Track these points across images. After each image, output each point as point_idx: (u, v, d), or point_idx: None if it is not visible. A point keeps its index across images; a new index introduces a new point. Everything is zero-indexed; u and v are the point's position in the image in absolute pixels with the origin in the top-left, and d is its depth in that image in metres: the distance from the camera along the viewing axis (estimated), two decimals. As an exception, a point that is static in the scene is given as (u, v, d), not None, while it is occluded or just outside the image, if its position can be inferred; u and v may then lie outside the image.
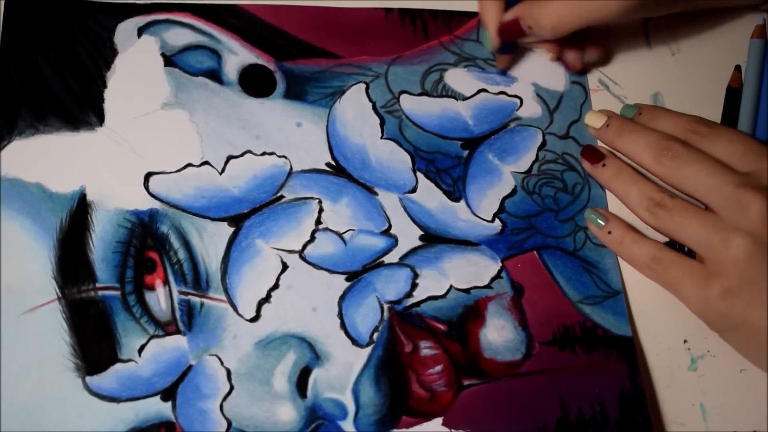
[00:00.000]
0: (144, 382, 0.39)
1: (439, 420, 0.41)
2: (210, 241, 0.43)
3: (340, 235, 0.44)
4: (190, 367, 0.40)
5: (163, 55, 0.46)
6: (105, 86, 0.45)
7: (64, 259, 0.41)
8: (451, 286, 0.44)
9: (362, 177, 0.46)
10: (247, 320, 0.41)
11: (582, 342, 0.43)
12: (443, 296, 0.43)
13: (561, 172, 0.47)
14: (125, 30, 0.46)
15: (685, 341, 0.44)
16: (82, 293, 0.40)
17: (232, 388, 0.40)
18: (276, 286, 0.42)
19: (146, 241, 0.42)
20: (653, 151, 0.44)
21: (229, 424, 0.39)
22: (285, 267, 0.43)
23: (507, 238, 0.45)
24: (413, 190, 0.46)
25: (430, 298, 0.43)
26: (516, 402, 0.41)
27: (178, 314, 0.41)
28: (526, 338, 0.43)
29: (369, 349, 0.42)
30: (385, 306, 0.43)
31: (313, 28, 0.49)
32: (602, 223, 0.45)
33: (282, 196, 0.44)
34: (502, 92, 0.49)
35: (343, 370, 0.41)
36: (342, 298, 0.43)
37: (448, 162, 0.47)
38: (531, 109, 0.49)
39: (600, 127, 0.47)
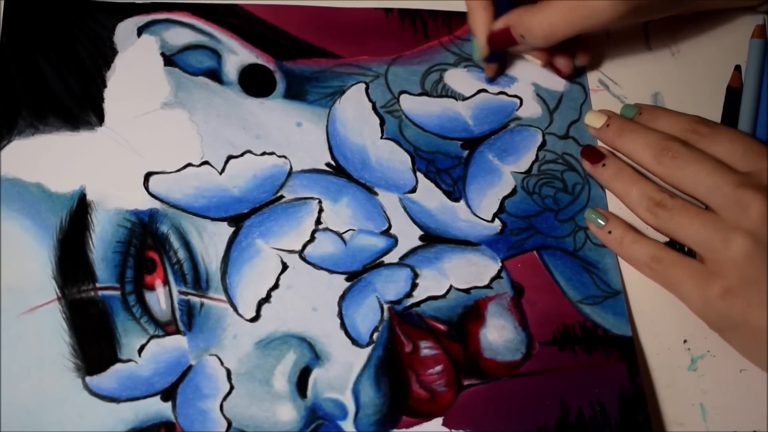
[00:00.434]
0: (144, 382, 0.39)
1: (439, 420, 0.41)
2: (210, 241, 0.43)
3: (340, 235, 0.44)
4: (190, 367, 0.40)
5: (163, 54, 0.46)
6: (105, 86, 0.45)
7: (64, 259, 0.41)
8: (451, 286, 0.44)
9: (362, 177, 0.46)
10: (247, 320, 0.41)
11: (582, 342, 0.43)
12: (443, 296, 0.43)
13: (561, 172, 0.47)
14: (125, 29, 0.46)
15: (685, 341, 0.44)
16: (82, 293, 0.40)
17: (232, 388, 0.40)
18: (276, 286, 0.42)
19: (146, 241, 0.42)
20: (653, 151, 0.44)
21: (229, 424, 0.39)
22: (285, 267, 0.43)
23: (507, 238, 0.45)
24: (413, 190, 0.46)
25: (430, 298, 0.43)
26: (516, 402, 0.41)
27: (178, 314, 0.41)
28: (526, 338, 0.43)
29: (369, 349, 0.42)
30: (385, 306, 0.43)
31: (313, 28, 0.49)
32: (602, 223, 0.45)
33: (282, 196, 0.44)
34: (501, 92, 0.49)
35: (343, 370, 0.41)
36: (342, 298, 0.43)
37: (448, 162, 0.47)
38: (531, 109, 0.49)
39: (600, 127, 0.47)
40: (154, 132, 0.44)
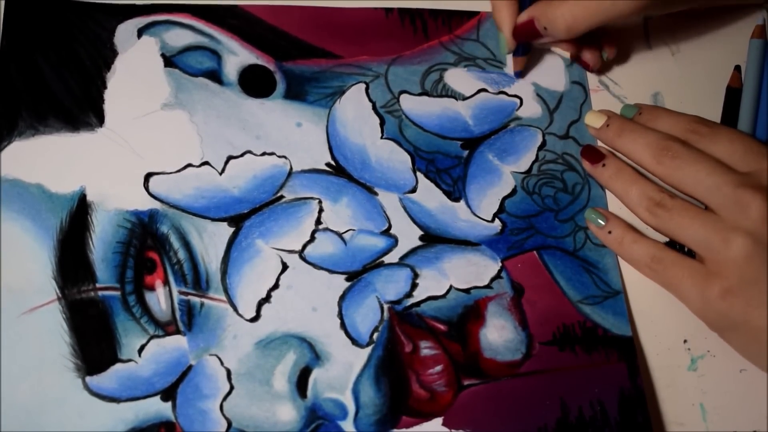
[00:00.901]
0: (144, 382, 0.39)
1: (439, 420, 0.41)
2: (210, 241, 0.43)
3: (340, 235, 0.44)
4: (190, 367, 0.40)
5: (163, 55, 0.46)
6: (105, 87, 0.45)
7: (64, 259, 0.41)
8: (451, 286, 0.44)
9: (362, 177, 0.46)
10: (247, 320, 0.41)
11: (582, 342, 0.43)
12: (443, 296, 0.43)
13: (561, 172, 0.47)
14: (125, 31, 0.46)
15: (685, 341, 0.44)
16: (82, 293, 0.40)
17: (232, 388, 0.40)
18: (276, 286, 0.42)
19: (146, 241, 0.42)
20: (653, 151, 0.44)
21: (229, 424, 0.39)
22: (285, 267, 0.43)
23: (507, 238, 0.45)
24: (413, 190, 0.46)
25: (430, 298, 0.43)
26: (516, 402, 0.41)
27: (178, 314, 0.41)
28: (526, 338, 0.43)
29: (369, 349, 0.42)
30: (385, 306, 0.43)
31: (313, 28, 0.49)
32: (602, 223, 0.45)
33: (282, 196, 0.44)
34: (502, 92, 0.49)
35: (343, 370, 0.41)
36: (342, 298, 0.43)
37: (448, 162, 0.47)
38: (531, 109, 0.49)
39: (600, 127, 0.47)
40: (155, 133, 0.44)
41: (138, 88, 0.45)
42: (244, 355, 0.41)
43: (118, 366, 0.39)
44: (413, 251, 0.44)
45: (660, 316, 0.44)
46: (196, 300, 0.41)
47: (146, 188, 0.43)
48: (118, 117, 0.44)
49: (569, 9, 0.44)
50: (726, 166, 0.42)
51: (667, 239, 0.45)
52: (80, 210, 0.42)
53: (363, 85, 0.48)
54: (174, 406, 0.39)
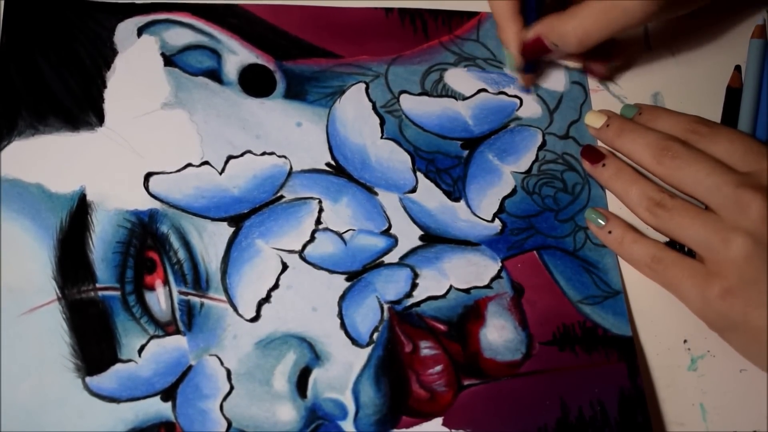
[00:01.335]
0: (144, 382, 0.39)
1: (439, 420, 0.41)
2: (210, 241, 0.43)
3: (340, 235, 0.44)
4: (190, 367, 0.40)
5: (163, 54, 0.46)
6: (105, 86, 0.45)
7: (64, 259, 0.41)
8: (451, 286, 0.44)
9: (362, 177, 0.46)
10: (247, 320, 0.41)
11: (582, 342, 0.43)
12: (443, 296, 0.43)
13: (561, 172, 0.47)
14: (125, 30, 0.46)
15: (685, 341, 0.44)
16: (82, 293, 0.40)
17: (232, 388, 0.40)
18: (276, 286, 0.42)
19: (146, 241, 0.42)
20: (653, 151, 0.44)
21: (229, 424, 0.39)
22: (285, 267, 0.43)
23: (507, 238, 0.45)
24: (413, 190, 0.46)
25: (430, 298, 0.43)
26: (516, 402, 0.41)
27: (178, 314, 0.41)
28: (526, 338, 0.43)
29: (369, 349, 0.42)
30: (385, 306, 0.43)
31: (313, 28, 0.49)
32: (602, 223, 0.45)
33: (282, 196, 0.44)
34: (501, 92, 0.49)
35: (343, 370, 0.41)
36: (342, 298, 0.43)
37: (448, 162, 0.47)
38: (531, 109, 0.49)
39: (600, 127, 0.47)
40: (154, 132, 0.44)
41: (138, 88, 0.45)
42: (244, 355, 0.41)
43: (118, 366, 0.39)
44: (413, 251, 0.44)
45: (660, 316, 0.44)
46: (196, 300, 0.41)
47: (146, 188, 0.43)
48: (118, 116, 0.44)
49: (579, 23, 0.43)
50: (726, 166, 0.42)
51: (667, 239, 0.45)
52: (80, 210, 0.42)
53: (363, 85, 0.48)
54: (174, 406, 0.39)
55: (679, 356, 0.44)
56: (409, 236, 0.45)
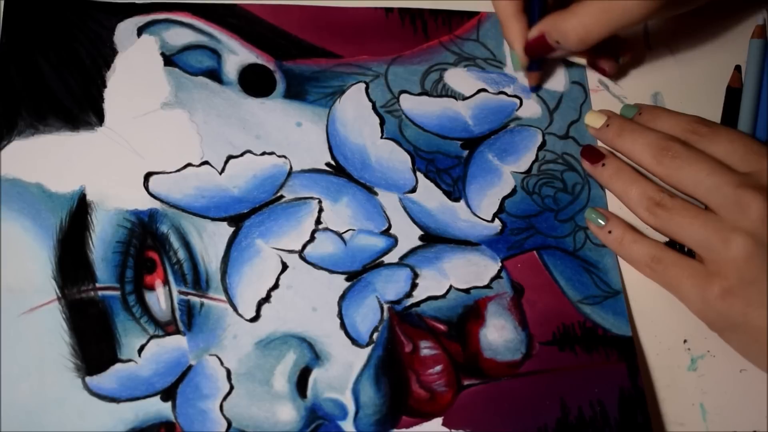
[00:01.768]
0: (144, 382, 0.39)
1: (439, 420, 0.41)
2: (210, 241, 0.43)
3: (340, 235, 0.44)
4: (190, 367, 0.40)
5: (162, 54, 0.46)
6: (105, 86, 0.45)
7: (64, 259, 0.41)
8: (451, 286, 0.44)
9: (362, 177, 0.46)
10: (247, 320, 0.41)
11: (582, 342, 0.43)
12: (443, 296, 0.43)
13: (561, 172, 0.47)
14: (125, 30, 0.46)
15: (685, 341, 0.44)
16: (82, 293, 0.40)
17: (232, 388, 0.40)
18: (276, 286, 0.42)
19: (146, 241, 0.42)
20: (653, 150, 0.44)
21: (229, 424, 0.39)
22: (285, 267, 0.43)
23: (507, 238, 0.45)
24: (413, 190, 0.46)
25: (430, 298, 0.43)
26: (516, 402, 0.41)
27: (178, 314, 0.41)
28: (526, 338, 0.43)
29: (369, 349, 0.42)
30: (385, 306, 0.43)
31: (313, 28, 0.49)
32: (602, 223, 0.45)
33: (282, 196, 0.44)
34: (501, 92, 0.49)
35: (343, 370, 0.41)
36: (342, 298, 0.43)
37: (448, 162, 0.47)
38: (531, 109, 0.49)
39: (600, 127, 0.47)
40: (154, 132, 0.44)
41: (138, 88, 0.45)
42: (244, 355, 0.41)
43: (118, 366, 0.39)
44: (413, 251, 0.44)
45: (660, 316, 0.44)
46: (195, 300, 0.41)
47: (146, 188, 0.43)
48: (117, 116, 0.44)
49: (580, 21, 0.44)
50: (726, 167, 0.42)
51: (667, 239, 0.45)
52: (80, 209, 0.42)
53: (363, 85, 0.48)
54: (174, 406, 0.39)
55: (679, 356, 0.44)
56: (409, 236, 0.45)
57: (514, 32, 0.46)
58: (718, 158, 0.43)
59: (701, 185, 0.42)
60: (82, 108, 0.44)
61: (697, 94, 0.50)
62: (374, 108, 0.47)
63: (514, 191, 0.47)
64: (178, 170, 0.44)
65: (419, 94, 0.48)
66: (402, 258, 0.44)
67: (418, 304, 0.43)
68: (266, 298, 0.42)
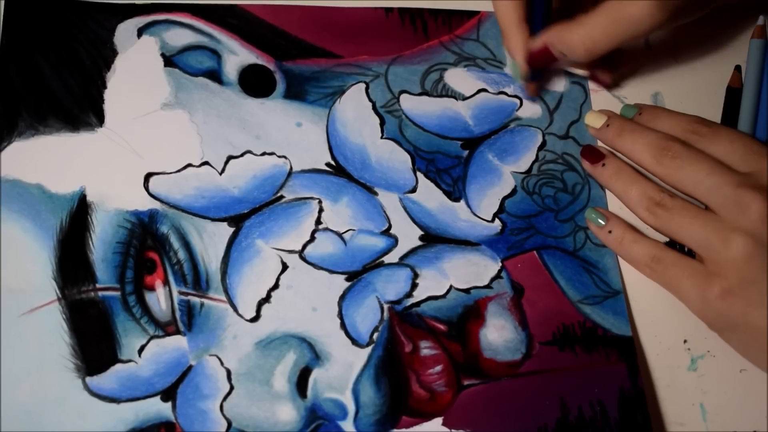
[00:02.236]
0: (144, 382, 0.39)
1: (439, 420, 0.41)
2: (210, 241, 0.43)
3: (340, 235, 0.44)
4: (190, 368, 0.40)
5: (162, 55, 0.46)
6: (105, 87, 0.45)
7: (64, 259, 0.41)
8: (451, 286, 0.44)
9: (362, 177, 0.46)
10: (247, 320, 0.41)
11: (582, 342, 0.43)
12: (443, 296, 0.43)
13: (561, 172, 0.47)
14: (125, 30, 0.46)
15: (685, 341, 0.44)
16: (82, 294, 0.40)
17: (232, 388, 0.40)
18: (276, 286, 0.42)
19: (146, 241, 0.42)
20: (653, 150, 0.44)
21: (229, 425, 0.39)
22: (285, 267, 0.43)
23: (507, 238, 0.45)
24: (413, 190, 0.46)
25: (430, 298, 0.43)
26: (516, 402, 0.41)
27: (178, 314, 0.41)
28: (526, 338, 0.43)
29: (369, 349, 0.42)
30: (385, 306, 0.43)
31: (313, 28, 0.49)
32: (602, 223, 0.45)
33: (282, 196, 0.44)
34: (501, 92, 0.49)
35: (343, 370, 0.41)
36: (342, 298, 0.43)
37: (448, 162, 0.47)
38: (531, 109, 0.49)
39: (600, 127, 0.47)
40: (154, 133, 0.44)
41: (138, 88, 0.45)
42: (244, 355, 0.41)
43: (118, 366, 0.39)
44: (413, 251, 0.44)
45: (660, 316, 0.44)
46: (196, 300, 0.41)
47: (146, 188, 0.43)
48: (118, 117, 0.44)
49: (587, 33, 0.43)
50: (726, 166, 0.42)
51: (667, 239, 0.45)
52: (80, 210, 0.42)
53: (363, 85, 0.48)
54: (174, 407, 0.39)
55: (679, 356, 0.44)
56: (409, 236, 0.45)
57: (516, 42, 0.46)
58: (718, 158, 0.43)
59: (701, 185, 0.42)
60: (82, 109, 0.44)
61: (697, 94, 0.50)
62: (374, 108, 0.47)
63: (514, 191, 0.47)
64: (178, 171, 0.44)
65: (419, 94, 0.48)
66: (402, 258, 0.44)
67: (418, 304, 0.43)
68: (266, 298, 0.42)
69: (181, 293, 0.41)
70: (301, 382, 0.41)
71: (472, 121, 0.48)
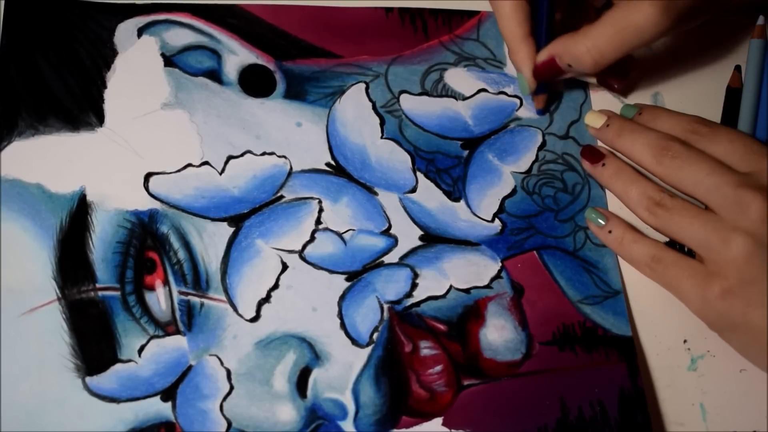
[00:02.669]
0: (144, 382, 0.39)
1: (439, 420, 0.41)
2: (210, 241, 0.43)
3: (340, 235, 0.44)
4: (190, 368, 0.40)
5: (163, 55, 0.46)
6: (105, 86, 0.45)
7: (64, 259, 0.41)
8: (451, 286, 0.44)
9: (362, 177, 0.46)
10: (247, 320, 0.41)
11: (582, 342, 0.43)
12: (443, 296, 0.43)
13: (561, 172, 0.47)
14: (125, 30, 0.46)
15: (685, 341, 0.44)
16: (82, 294, 0.40)
17: (232, 388, 0.40)
18: (276, 286, 0.42)
19: (146, 241, 0.42)
20: (653, 150, 0.44)
21: (229, 425, 0.39)
22: (285, 267, 0.43)
23: (507, 238, 0.45)
24: (413, 190, 0.46)
25: (430, 298, 0.43)
26: (516, 402, 0.41)
27: (178, 314, 0.41)
28: (526, 338, 0.43)
29: (369, 349, 0.42)
30: (385, 306, 0.43)
31: (313, 28, 0.49)
32: (602, 223, 0.45)
33: (282, 196, 0.44)
34: (501, 92, 0.49)
35: (343, 370, 0.41)
36: (342, 298, 0.43)
37: (448, 162, 0.47)
38: (531, 110, 0.49)
39: (600, 127, 0.47)
40: (154, 132, 0.44)
41: (138, 88, 0.45)
42: (244, 355, 0.41)
43: (118, 366, 0.39)
44: (413, 251, 0.44)
45: (660, 316, 0.44)
46: (196, 300, 0.41)
47: (146, 188, 0.43)
48: (118, 117, 0.44)
49: (594, 43, 0.43)
50: (726, 166, 0.42)
51: (667, 239, 0.45)
52: (80, 210, 0.42)
53: (363, 85, 0.48)
54: (174, 406, 0.39)
55: (679, 356, 0.44)
56: (409, 236, 0.45)
57: (523, 56, 0.46)
58: (718, 158, 0.43)
59: (701, 185, 0.42)
60: (82, 108, 0.44)
61: (697, 94, 0.50)
62: (374, 108, 0.47)
63: (514, 191, 0.47)
64: (178, 170, 0.44)
65: (419, 94, 0.48)
66: (402, 258, 0.44)
67: (418, 304, 0.43)
68: (266, 298, 0.42)
69: (181, 293, 0.41)
70: (301, 382, 0.41)
71: (472, 121, 0.48)
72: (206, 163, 0.44)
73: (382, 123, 0.47)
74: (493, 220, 0.46)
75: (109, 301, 0.40)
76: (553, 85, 0.49)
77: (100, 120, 0.44)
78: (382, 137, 0.47)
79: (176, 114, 0.45)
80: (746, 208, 0.40)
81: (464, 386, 0.42)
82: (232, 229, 0.43)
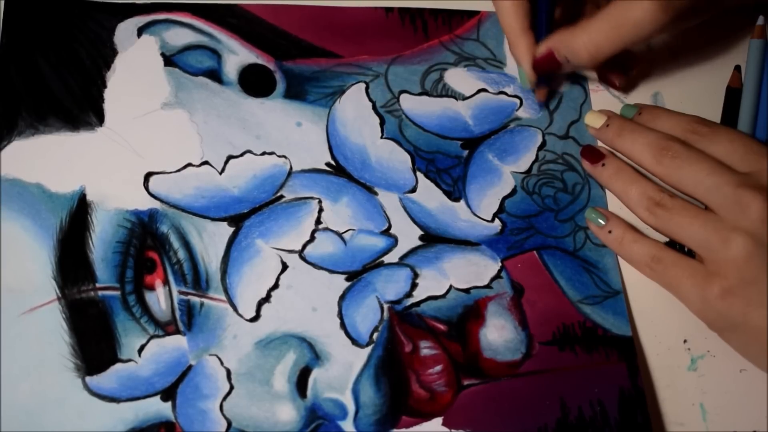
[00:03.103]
0: (144, 382, 0.39)
1: (439, 420, 0.41)
2: (210, 241, 0.43)
3: (340, 235, 0.44)
4: (190, 367, 0.40)
5: (163, 54, 0.46)
6: (105, 86, 0.45)
7: (64, 259, 0.41)
8: (451, 286, 0.44)
9: (362, 177, 0.46)
10: (247, 320, 0.41)
11: (582, 342, 0.43)
12: (443, 296, 0.43)
13: (561, 172, 0.47)
14: (125, 30, 0.46)
15: (685, 341, 0.44)
16: (82, 293, 0.40)
17: (232, 388, 0.40)
18: (276, 286, 0.42)
19: (146, 241, 0.42)
20: (653, 150, 0.44)
21: (229, 424, 0.39)
22: (285, 267, 0.43)
23: (507, 238, 0.45)
24: (413, 190, 0.46)
25: (430, 298, 0.43)
26: (516, 402, 0.41)
27: (178, 314, 0.41)
28: (526, 338, 0.43)
29: (369, 349, 0.42)
30: (385, 306, 0.43)
31: (313, 28, 0.49)
32: (602, 223, 0.45)
33: (282, 196, 0.44)
34: (501, 92, 0.49)
35: (343, 370, 0.41)
36: (342, 298, 0.43)
37: (448, 162, 0.47)
38: (531, 110, 0.49)
39: (600, 127, 0.47)
40: (154, 132, 0.44)
41: (138, 88, 0.45)
42: (244, 355, 0.41)
43: (118, 366, 0.39)
44: (413, 251, 0.44)
45: (660, 316, 0.44)
46: (195, 300, 0.41)
47: (146, 188, 0.43)
48: (118, 116, 0.44)
49: (590, 38, 0.43)
50: (726, 166, 0.42)
51: (667, 239, 0.45)
52: (80, 210, 0.42)
53: (363, 85, 0.48)
54: (174, 406, 0.39)
55: (679, 356, 0.44)
56: (409, 236, 0.45)
57: (522, 49, 0.46)
58: (718, 158, 0.43)
59: (701, 185, 0.42)
60: (82, 108, 0.44)
61: (697, 94, 0.50)
62: (374, 108, 0.47)
63: (514, 191, 0.47)
64: (178, 170, 0.44)
65: (419, 94, 0.48)
66: (402, 258, 0.44)
67: (418, 304, 0.43)
68: (266, 298, 0.42)
69: (181, 293, 0.41)
70: (301, 382, 0.41)
71: (472, 121, 0.48)
72: (206, 162, 0.44)
73: (382, 123, 0.47)
74: (493, 220, 0.46)
75: (109, 301, 0.40)
76: (554, 79, 0.49)
77: (100, 120, 0.44)
78: (382, 137, 0.47)
79: (176, 114, 0.45)
80: (746, 208, 0.40)
81: (464, 386, 0.41)
82: (232, 229, 0.43)
